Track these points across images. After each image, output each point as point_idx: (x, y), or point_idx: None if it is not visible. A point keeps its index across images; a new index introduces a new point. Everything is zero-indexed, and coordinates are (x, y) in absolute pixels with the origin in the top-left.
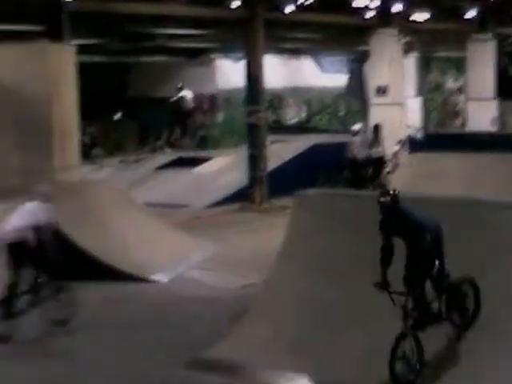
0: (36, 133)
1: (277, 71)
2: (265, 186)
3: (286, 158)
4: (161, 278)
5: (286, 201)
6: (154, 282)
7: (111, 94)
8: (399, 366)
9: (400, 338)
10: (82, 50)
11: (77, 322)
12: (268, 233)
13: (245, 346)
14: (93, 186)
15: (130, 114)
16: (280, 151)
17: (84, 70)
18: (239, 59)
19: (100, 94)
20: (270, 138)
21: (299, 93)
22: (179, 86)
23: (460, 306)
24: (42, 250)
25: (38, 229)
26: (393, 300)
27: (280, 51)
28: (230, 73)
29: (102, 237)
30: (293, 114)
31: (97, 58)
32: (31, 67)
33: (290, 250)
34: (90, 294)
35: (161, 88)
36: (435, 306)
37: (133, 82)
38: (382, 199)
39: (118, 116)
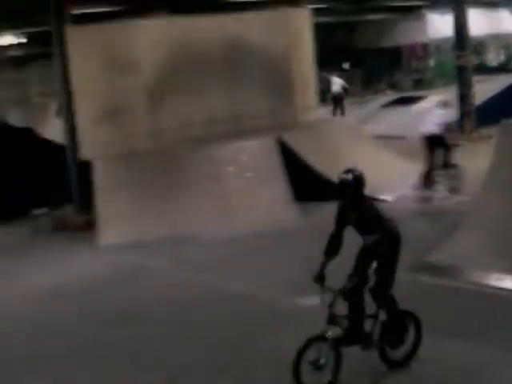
0: (280, 82)
1: (479, 21)
2: (473, 119)
3: (490, 95)
4: (388, 197)
5: (492, 131)
6: (382, 200)
7: (341, 48)
8: (307, 373)
9: (314, 340)
10: (317, 13)
11: None
12: (476, 159)
13: (460, 252)
14: (328, 123)
15: (356, 63)
16: (484, 89)
17: (319, 29)
18: (447, 13)
19: (332, 47)
20: (475, 78)
21: (499, 39)
22: None
23: (396, 337)
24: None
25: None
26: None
27: (481, 4)
28: (439, 25)
29: (337, 163)
30: (494, 58)
31: (329, 19)
32: (275, 30)
33: (495, 174)
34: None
35: (381, 40)
36: (369, 324)
37: (358, 37)
38: (344, 176)
39: (346, 65)
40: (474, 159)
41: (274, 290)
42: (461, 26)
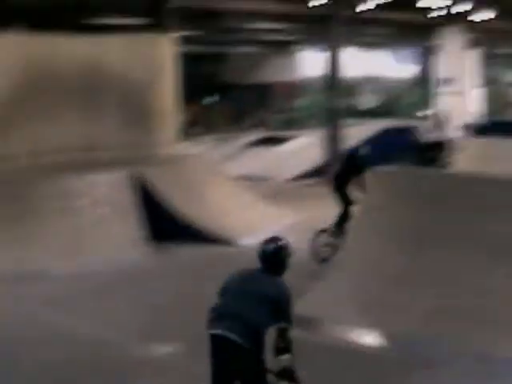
0: (139, 112)
1: (353, 62)
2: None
3: (360, 139)
4: (247, 242)
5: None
6: (239, 245)
7: (210, 80)
8: None
9: None
10: (184, 41)
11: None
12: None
13: (322, 304)
14: (189, 159)
15: (225, 97)
16: (355, 133)
17: (186, 59)
18: (319, 51)
19: (200, 79)
20: (345, 121)
21: (372, 82)
22: None
23: None
24: None
25: None
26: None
27: (356, 44)
28: (312, 63)
29: (195, 203)
30: (366, 101)
31: (197, 49)
32: (136, 56)
33: (365, 220)
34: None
35: (252, 75)
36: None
37: (227, 70)
38: (265, 246)
39: (214, 99)
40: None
41: (120, 333)
42: (334, 65)
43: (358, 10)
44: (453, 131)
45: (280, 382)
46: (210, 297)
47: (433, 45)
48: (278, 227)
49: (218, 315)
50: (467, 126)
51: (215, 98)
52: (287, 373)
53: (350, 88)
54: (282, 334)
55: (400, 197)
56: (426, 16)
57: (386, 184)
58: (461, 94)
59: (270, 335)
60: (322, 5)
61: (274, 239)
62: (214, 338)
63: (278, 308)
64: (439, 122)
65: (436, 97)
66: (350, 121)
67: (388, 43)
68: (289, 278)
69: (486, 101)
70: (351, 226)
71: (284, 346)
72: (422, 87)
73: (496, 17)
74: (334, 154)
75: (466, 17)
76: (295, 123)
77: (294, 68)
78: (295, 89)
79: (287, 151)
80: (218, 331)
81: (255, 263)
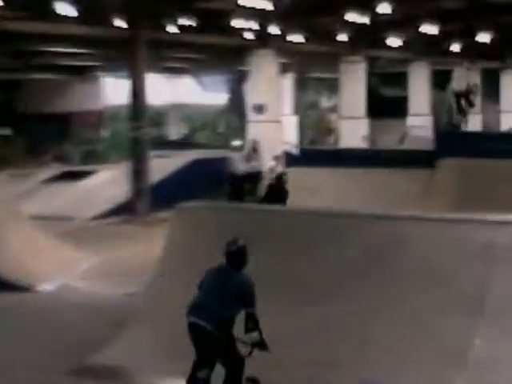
0: None
1: (160, 89)
2: (148, 200)
3: (168, 172)
4: (45, 287)
5: (168, 214)
6: (38, 291)
7: (2, 110)
8: None
9: None
10: None
11: None
12: (150, 244)
13: (127, 352)
14: None
15: (19, 129)
16: (162, 166)
17: None
18: (124, 77)
19: None
20: (152, 152)
21: (181, 110)
22: None
23: None
24: None
25: None
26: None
27: (163, 70)
28: (115, 90)
29: None
30: (175, 130)
31: None
32: None
33: (169, 261)
34: None
35: (49, 104)
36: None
37: (22, 98)
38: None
39: (5, 131)
40: (148, 247)
41: None
42: (138, 92)
43: (164, 32)
44: (266, 161)
45: (252, 349)
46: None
47: (245, 70)
48: (79, 271)
49: (194, 305)
50: (280, 156)
51: (7, 130)
52: (258, 344)
53: (158, 117)
54: (250, 317)
55: (205, 235)
56: (237, 39)
57: (191, 221)
58: (275, 121)
59: (241, 319)
60: (125, 28)
61: (234, 241)
62: (190, 326)
63: (244, 298)
64: (252, 153)
65: (249, 125)
66: (157, 152)
67: (198, 68)
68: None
69: (302, 128)
70: (156, 267)
71: (252, 326)
72: (235, 115)
73: (307, 40)
74: (139, 189)
75: (279, 40)
76: (98, 156)
77: (98, 96)
78: (99, 118)
79: (89, 187)
80: (192, 319)
81: (53, 309)
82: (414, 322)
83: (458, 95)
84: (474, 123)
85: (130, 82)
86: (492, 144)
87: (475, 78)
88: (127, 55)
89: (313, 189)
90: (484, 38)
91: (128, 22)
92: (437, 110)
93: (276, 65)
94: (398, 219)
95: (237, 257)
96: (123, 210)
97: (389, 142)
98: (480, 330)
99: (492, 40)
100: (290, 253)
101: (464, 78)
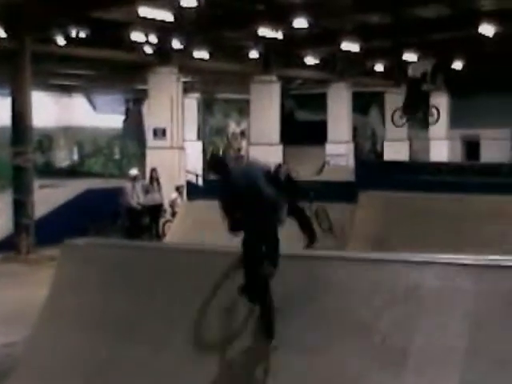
0: None
1: (47, 109)
2: (32, 235)
3: (56, 205)
4: None
5: (56, 251)
6: None
7: None
8: None
9: None
10: None
11: None
12: (34, 286)
13: None
14: None
15: None
16: (49, 197)
17: None
18: (5, 94)
19: None
20: (38, 182)
21: (71, 133)
22: None
23: None
24: None
25: None
26: None
27: (51, 87)
28: None
29: None
30: (64, 156)
31: None
32: None
33: (56, 304)
34: None
35: None
36: None
37: None
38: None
39: None
40: (31, 289)
41: None
42: (21, 113)
43: (53, 45)
44: (166, 192)
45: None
46: None
47: (143, 89)
48: None
49: None
50: (182, 187)
51: None
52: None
53: (45, 141)
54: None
55: (93, 273)
56: (135, 54)
57: (79, 259)
58: (177, 148)
59: None
60: (6, 38)
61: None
62: None
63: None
64: (151, 183)
65: (148, 152)
66: (44, 181)
67: (91, 86)
68: None
69: (207, 155)
70: (40, 311)
71: None
72: (133, 140)
73: (214, 57)
74: (22, 223)
75: (181, 56)
76: None
77: None
78: None
79: None
80: None
81: None
82: (331, 377)
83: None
84: (400, 151)
85: (12, 101)
86: (418, 175)
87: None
88: (10, 70)
89: (218, 224)
90: (412, 57)
91: (10, 32)
92: (359, 136)
93: (178, 84)
94: (313, 259)
95: None
96: (4, 247)
97: (306, 171)
98: None
99: (419, 60)
100: (185, 292)
101: (395, 101)
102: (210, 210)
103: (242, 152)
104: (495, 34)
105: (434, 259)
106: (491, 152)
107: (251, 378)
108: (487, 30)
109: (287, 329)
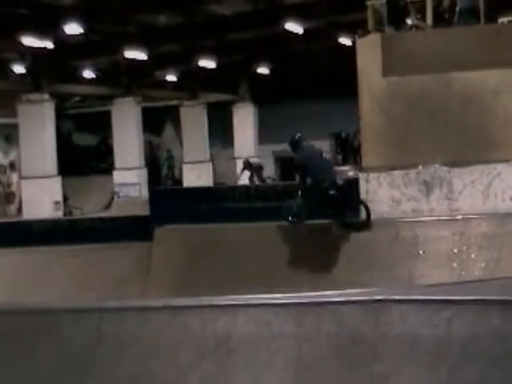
0: None
1: None
2: None
3: None
4: None
5: None
6: None
7: None
8: None
9: None
10: None
11: None
12: None
13: None
14: None
15: None
16: None
17: None
18: None
19: None
20: None
21: None
22: None
23: None
24: None
25: None
26: None
27: None
28: None
29: None
30: None
31: None
32: None
33: None
34: None
35: None
36: None
37: None
38: None
39: None
40: None
41: None
42: None
43: None
44: None
45: None
46: None
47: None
48: None
49: None
50: None
51: None
52: None
53: None
54: None
55: None
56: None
57: None
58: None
59: None
60: None
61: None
62: None
63: None
64: None
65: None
66: None
67: None
68: None
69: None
70: None
71: None
72: None
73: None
74: None
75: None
76: None
77: None
78: None
79: None
80: None
81: None
82: None
83: None
84: (202, 175)
85: None
86: (223, 202)
87: (201, 116)
88: None
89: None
90: (207, 63)
91: None
92: (153, 159)
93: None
94: (105, 311)
95: None
96: None
97: (90, 207)
98: None
99: (219, 65)
100: None
101: (192, 116)
102: None
103: (13, 189)
104: (305, 31)
105: (246, 300)
106: None
107: None
108: (294, 27)
109: None
